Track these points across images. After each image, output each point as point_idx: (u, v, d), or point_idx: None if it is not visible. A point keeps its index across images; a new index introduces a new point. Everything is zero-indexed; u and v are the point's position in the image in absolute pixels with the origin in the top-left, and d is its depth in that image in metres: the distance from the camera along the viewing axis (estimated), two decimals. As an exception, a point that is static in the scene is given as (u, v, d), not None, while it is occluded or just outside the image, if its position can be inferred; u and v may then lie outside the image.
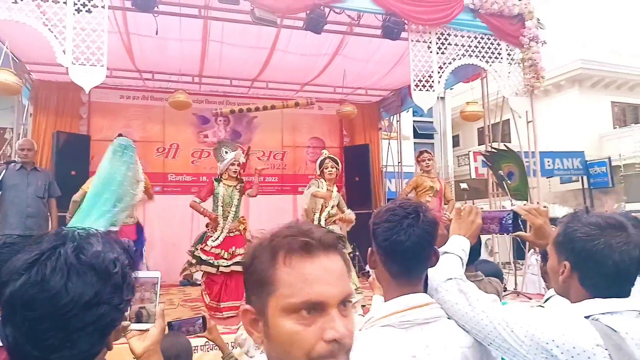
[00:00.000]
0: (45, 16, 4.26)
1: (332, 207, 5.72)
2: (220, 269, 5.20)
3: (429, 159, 6.38)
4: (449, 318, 1.28)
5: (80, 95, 7.47)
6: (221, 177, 5.54)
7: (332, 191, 5.75)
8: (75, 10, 4.25)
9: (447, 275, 1.34)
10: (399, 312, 1.22)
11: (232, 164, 5.48)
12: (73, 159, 7.08)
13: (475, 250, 2.67)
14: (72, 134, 7.41)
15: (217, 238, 5.36)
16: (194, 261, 5.34)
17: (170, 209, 7.72)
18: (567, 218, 1.35)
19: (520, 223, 1.68)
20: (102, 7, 4.39)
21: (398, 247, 1.25)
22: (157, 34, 5.06)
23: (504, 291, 3.31)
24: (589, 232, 1.23)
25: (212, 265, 5.22)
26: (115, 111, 8.05)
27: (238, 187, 5.51)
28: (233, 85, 8.04)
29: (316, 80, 7.95)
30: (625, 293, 1.23)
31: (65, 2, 4.25)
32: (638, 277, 1.52)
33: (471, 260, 2.69)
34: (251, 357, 2.24)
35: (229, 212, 5.41)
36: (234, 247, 5.32)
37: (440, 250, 1.44)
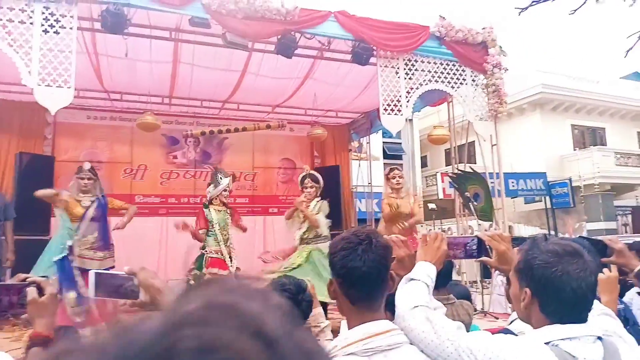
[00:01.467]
0: (11, 37, 4.19)
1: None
2: None
3: (399, 177, 6.23)
4: (411, 344, 1.31)
5: (45, 115, 7.31)
6: (210, 202, 5.78)
7: (309, 206, 5.94)
8: (43, 31, 4.20)
9: (414, 302, 1.37)
10: (362, 339, 1.24)
11: (225, 190, 5.79)
12: (36, 181, 6.80)
13: (447, 273, 2.74)
14: (35, 155, 7.20)
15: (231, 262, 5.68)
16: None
17: (137, 232, 7.54)
18: (527, 245, 1.39)
19: (486, 248, 1.74)
20: (70, 28, 4.35)
21: (355, 272, 1.28)
22: (127, 56, 5.03)
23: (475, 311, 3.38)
24: (547, 260, 1.28)
25: None
26: (82, 132, 7.88)
27: (228, 211, 5.83)
28: (204, 106, 8.01)
29: (287, 102, 8.01)
30: (583, 319, 1.27)
31: (32, 23, 4.20)
32: (595, 302, 1.60)
33: (443, 284, 2.75)
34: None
35: (226, 235, 5.69)
36: (219, 269, 5.55)
37: (407, 276, 1.48)
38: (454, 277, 8.87)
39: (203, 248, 5.87)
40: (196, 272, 5.62)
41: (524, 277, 1.34)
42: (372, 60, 5.74)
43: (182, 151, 8.45)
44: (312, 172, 6.32)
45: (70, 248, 4.94)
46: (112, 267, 5.28)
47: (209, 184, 6.21)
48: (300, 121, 8.73)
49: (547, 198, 14.94)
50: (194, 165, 8.48)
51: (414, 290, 1.43)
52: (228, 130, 7.24)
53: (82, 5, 4.66)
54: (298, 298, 1.91)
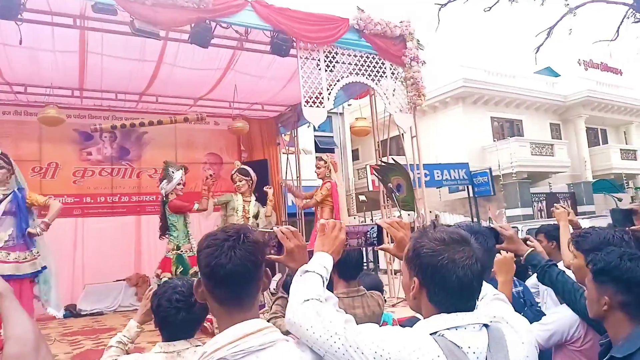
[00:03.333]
0: None
1: (253, 216, 6.06)
2: None
3: (317, 167, 6.23)
4: (287, 341, 1.24)
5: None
6: (167, 197, 5.77)
7: (250, 201, 6.15)
8: None
9: (305, 296, 1.31)
10: (231, 342, 1.16)
11: (179, 183, 5.81)
12: None
13: (357, 264, 2.71)
14: None
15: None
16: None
17: (49, 234, 7.01)
18: (416, 234, 1.37)
19: (387, 236, 1.71)
20: (-48, 12, 3.91)
21: (220, 270, 1.20)
22: (20, 44, 4.61)
23: (385, 300, 3.40)
24: (434, 248, 1.25)
25: None
26: (-18, 128, 7.22)
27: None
28: (119, 99, 7.59)
29: (210, 95, 7.77)
30: (470, 307, 1.26)
31: None
32: (489, 286, 1.62)
33: (353, 275, 2.72)
34: None
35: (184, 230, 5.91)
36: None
37: (301, 268, 1.42)
38: (383, 265, 9.06)
39: (177, 249, 5.76)
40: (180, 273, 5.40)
41: (412, 266, 1.30)
42: (293, 52, 5.67)
43: (97, 147, 7.98)
44: (242, 166, 6.34)
45: None
46: (39, 271, 4.75)
47: (161, 180, 5.99)
48: (224, 114, 8.50)
49: (470, 187, 15.64)
50: (111, 162, 8.04)
51: (307, 282, 1.37)
52: (142, 124, 6.89)
53: (-32, -13, 4.22)
54: (190, 300, 1.80)
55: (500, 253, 2.11)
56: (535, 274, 2.65)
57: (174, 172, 5.78)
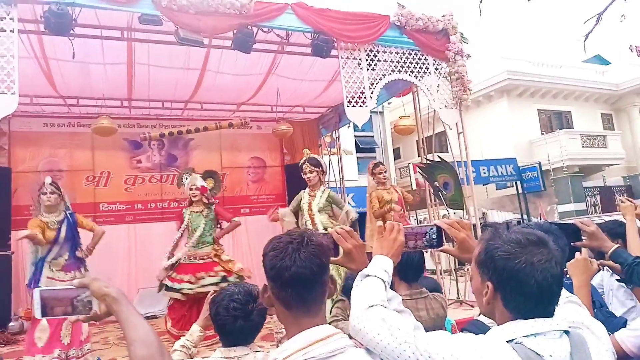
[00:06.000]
0: (-53, 42, 3.94)
1: (318, 211, 5.41)
2: (184, 291, 5.17)
3: (385, 171, 6.23)
4: (355, 347, 1.20)
5: (-1, 125, 7.00)
6: (191, 205, 5.59)
7: (315, 195, 5.45)
8: (-19, 35, 3.95)
9: (369, 302, 1.27)
10: (301, 349, 1.14)
11: (190, 189, 5.51)
12: (-8, 194, 6.58)
13: (419, 266, 2.64)
14: (-11, 167, 6.88)
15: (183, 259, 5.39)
16: (161, 288, 5.35)
17: (104, 241, 7.29)
18: (488, 235, 1.30)
19: (447, 237, 1.65)
20: (10, 31, 4.11)
21: (285, 273, 1.19)
22: (73, 58, 4.80)
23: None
24: (510, 250, 1.18)
25: (177, 290, 5.20)
26: (39, 140, 7.57)
27: (204, 212, 5.51)
28: (165, 107, 7.80)
29: (253, 99, 7.86)
30: (549, 313, 1.18)
31: (-32, 27, 3.95)
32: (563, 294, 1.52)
33: (415, 277, 2.66)
34: None
35: (202, 237, 5.42)
36: (202, 273, 5.27)
37: (362, 273, 1.38)
38: (430, 266, 8.89)
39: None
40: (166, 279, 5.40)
41: (485, 270, 1.24)
42: (334, 52, 5.64)
43: (147, 155, 8.22)
44: (313, 155, 5.72)
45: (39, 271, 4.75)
46: None
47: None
48: (267, 119, 8.58)
49: (518, 183, 15.14)
50: (160, 169, 8.26)
51: (369, 288, 1.33)
52: (189, 131, 7.03)
53: (24, 7, 4.42)
54: (248, 308, 1.80)
55: (579, 251, 1.99)
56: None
57: (186, 179, 5.66)
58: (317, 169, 5.47)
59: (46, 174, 7.42)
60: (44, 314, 1.19)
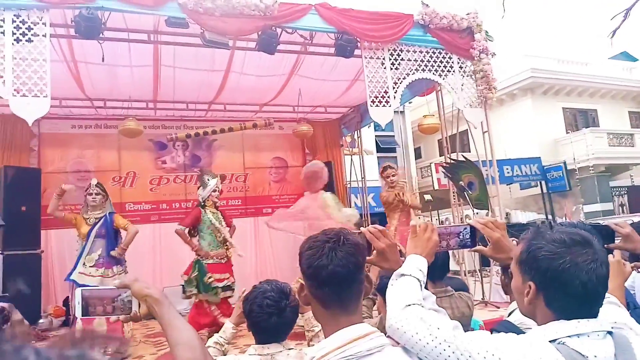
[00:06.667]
0: (-18, 47, 4.07)
1: None
2: (220, 294, 5.39)
3: (393, 175, 6.28)
4: (392, 345, 1.21)
5: (30, 127, 7.17)
6: (205, 203, 5.68)
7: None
8: (15, 40, 4.07)
9: (406, 301, 1.27)
10: (339, 347, 1.14)
11: (214, 191, 5.67)
12: (23, 194, 6.75)
13: (443, 265, 2.64)
14: (21, 168, 7.06)
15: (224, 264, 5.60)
16: (194, 291, 5.44)
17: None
18: (530, 234, 1.28)
19: (479, 236, 1.63)
20: (43, 35, 4.22)
21: (322, 271, 1.20)
22: (103, 61, 4.91)
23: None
24: (554, 250, 1.17)
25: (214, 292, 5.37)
26: (67, 142, 7.76)
27: (220, 214, 5.75)
28: (189, 109, 7.90)
29: (275, 100, 7.91)
30: (593, 314, 1.17)
31: (3, 33, 4.07)
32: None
33: (440, 276, 2.65)
34: None
35: (221, 237, 5.59)
36: (227, 274, 5.51)
37: (397, 272, 1.38)
38: (453, 267, 8.81)
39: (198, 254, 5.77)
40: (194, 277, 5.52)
41: (528, 270, 1.22)
42: (357, 52, 5.64)
43: (171, 156, 8.34)
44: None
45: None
46: None
47: (199, 188, 6.12)
48: (289, 119, 8.62)
49: (543, 183, 14.88)
50: (184, 170, 8.37)
51: (405, 287, 1.33)
52: (214, 132, 7.12)
53: (55, 12, 4.54)
54: (281, 305, 1.82)
55: (612, 254, 1.95)
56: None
57: (210, 180, 5.77)
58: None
59: (74, 174, 7.63)
60: (84, 314, 1.21)
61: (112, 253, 5.03)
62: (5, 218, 6.36)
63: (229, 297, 5.52)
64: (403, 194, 6.23)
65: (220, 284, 5.38)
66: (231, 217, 6.24)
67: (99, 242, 5.01)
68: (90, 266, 4.88)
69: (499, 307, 5.52)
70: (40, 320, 6.53)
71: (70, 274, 5.04)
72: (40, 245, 6.92)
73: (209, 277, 5.40)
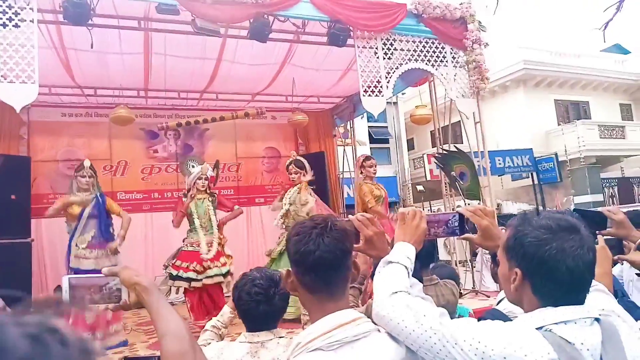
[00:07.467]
0: (-32, 32, 4.00)
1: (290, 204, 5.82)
2: (193, 284, 5.23)
3: (375, 165, 6.02)
4: (379, 331, 1.21)
5: (19, 114, 7.08)
6: (189, 192, 5.59)
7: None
8: (1, 25, 4.00)
9: (392, 288, 1.26)
10: (325, 332, 1.15)
11: (200, 178, 5.54)
12: (13, 183, 6.67)
13: (429, 254, 2.65)
14: (9, 156, 6.96)
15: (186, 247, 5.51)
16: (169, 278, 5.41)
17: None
18: (516, 221, 1.27)
19: (469, 225, 1.63)
20: (30, 21, 4.15)
21: (309, 257, 1.20)
22: (92, 47, 4.84)
23: (460, 293, 3.31)
24: (540, 236, 1.16)
25: (183, 279, 5.26)
26: (57, 130, 7.67)
27: (210, 199, 5.60)
28: (181, 97, 7.82)
29: (267, 89, 7.85)
30: (580, 301, 1.16)
31: (-11, 17, 4.00)
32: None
33: (426, 264, 2.67)
34: None
35: (207, 224, 5.49)
36: (208, 262, 5.33)
37: (384, 259, 1.38)
38: (444, 256, 8.86)
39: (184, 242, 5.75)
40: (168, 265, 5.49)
41: (514, 256, 1.22)
42: (350, 42, 5.61)
43: (163, 145, 8.28)
44: (298, 157, 6.22)
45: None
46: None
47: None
48: (281, 109, 8.57)
49: (534, 174, 14.97)
50: (176, 159, 8.31)
51: (392, 274, 1.33)
52: (205, 121, 7.07)
53: (43, -3, 4.47)
54: (270, 293, 1.81)
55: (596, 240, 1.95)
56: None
57: (194, 167, 5.67)
58: (302, 171, 5.97)
59: (65, 163, 7.55)
60: (71, 302, 1.16)
61: (112, 245, 4.99)
62: (-5, 206, 6.31)
63: (220, 282, 5.45)
64: (381, 187, 5.98)
65: (183, 273, 5.26)
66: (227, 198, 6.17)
67: (91, 223, 4.93)
68: (83, 247, 4.82)
69: (488, 297, 5.57)
70: (31, 309, 6.50)
71: (69, 261, 4.93)
72: (31, 234, 6.88)
73: (173, 264, 5.38)
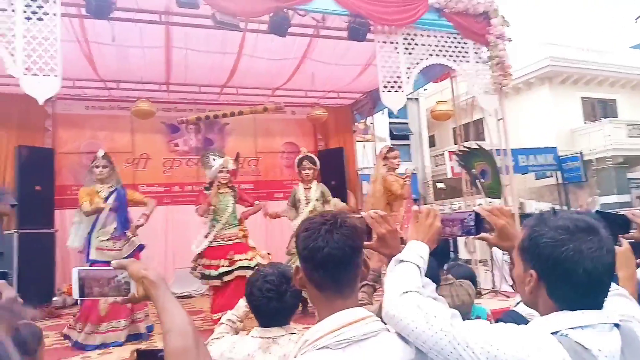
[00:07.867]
0: (-7, 25, 4.08)
1: (316, 200, 5.90)
2: (225, 278, 5.16)
3: (399, 157, 5.93)
4: (388, 331, 1.18)
5: (44, 107, 7.22)
6: (210, 185, 5.50)
7: (311, 188, 5.99)
8: (25, 18, 4.07)
9: (403, 288, 1.23)
10: (333, 330, 1.12)
11: (221, 171, 5.44)
12: (37, 174, 6.84)
13: (443, 252, 2.60)
14: (35, 147, 7.12)
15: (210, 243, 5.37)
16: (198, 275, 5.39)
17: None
18: (532, 221, 1.22)
19: (486, 224, 1.59)
20: (54, 14, 4.21)
21: (318, 253, 1.18)
22: (114, 41, 4.90)
23: (479, 293, 3.25)
24: (557, 237, 1.11)
25: (215, 277, 5.19)
26: (81, 123, 7.81)
27: (231, 193, 5.52)
28: (202, 92, 7.88)
29: (287, 84, 7.85)
30: (598, 305, 1.11)
31: (14, 10, 4.07)
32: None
33: (441, 264, 2.62)
34: None
35: (227, 219, 5.40)
36: (232, 252, 5.27)
37: (396, 258, 1.35)
38: (464, 255, 8.73)
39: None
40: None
41: (529, 257, 1.17)
42: (370, 36, 5.54)
43: (184, 139, 8.37)
44: (309, 154, 6.29)
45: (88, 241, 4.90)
46: (140, 246, 5.18)
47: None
48: (301, 103, 8.57)
49: (559, 173, 14.66)
50: (196, 153, 8.37)
51: (404, 273, 1.29)
52: (224, 115, 7.12)
53: (66, -10, 4.53)
54: (281, 289, 1.80)
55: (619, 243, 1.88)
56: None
57: (214, 160, 5.56)
58: (315, 167, 6.06)
59: (88, 155, 7.66)
60: (81, 294, 1.19)
61: (138, 223, 4.95)
62: (19, 197, 6.47)
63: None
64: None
65: (214, 272, 5.17)
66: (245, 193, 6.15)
67: (112, 216, 4.93)
68: (105, 240, 4.82)
69: (509, 297, 5.46)
70: (55, 298, 6.66)
71: (88, 254, 4.89)
72: (54, 225, 7.03)
73: (198, 263, 5.34)
